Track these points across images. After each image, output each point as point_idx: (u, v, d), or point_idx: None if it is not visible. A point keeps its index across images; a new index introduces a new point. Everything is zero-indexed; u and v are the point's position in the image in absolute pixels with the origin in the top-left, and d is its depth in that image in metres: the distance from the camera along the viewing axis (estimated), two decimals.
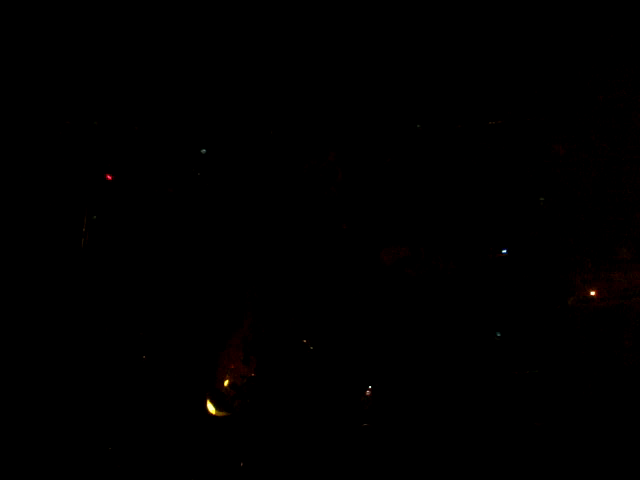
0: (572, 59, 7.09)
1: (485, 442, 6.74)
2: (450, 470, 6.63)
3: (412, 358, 7.05)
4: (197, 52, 7.36)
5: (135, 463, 6.46)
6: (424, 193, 7.28)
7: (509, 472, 6.65)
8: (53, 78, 7.30)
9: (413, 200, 7.25)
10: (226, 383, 6.46)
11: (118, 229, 7.34)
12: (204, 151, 7.47)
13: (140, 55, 7.39)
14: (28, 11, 7.19)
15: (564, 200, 7.08)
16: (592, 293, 6.86)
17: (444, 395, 6.94)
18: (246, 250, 6.88)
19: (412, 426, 6.84)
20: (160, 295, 6.98)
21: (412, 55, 7.32)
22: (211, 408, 6.46)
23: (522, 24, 7.22)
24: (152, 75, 7.41)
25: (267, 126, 7.28)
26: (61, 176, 7.31)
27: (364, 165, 7.26)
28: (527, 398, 6.85)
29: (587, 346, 6.86)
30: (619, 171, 6.99)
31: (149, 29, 7.32)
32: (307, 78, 7.30)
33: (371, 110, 7.32)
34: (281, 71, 7.29)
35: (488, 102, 7.32)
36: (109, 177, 7.44)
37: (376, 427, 6.81)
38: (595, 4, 7.08)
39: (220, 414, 6.44)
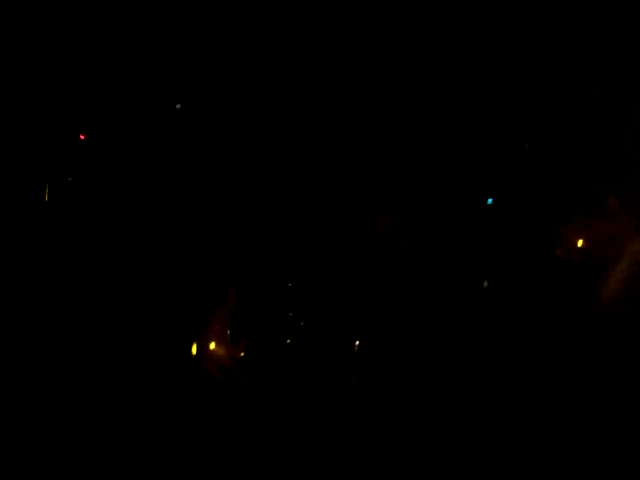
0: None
1: (473, 397, 6.72)
2: (440, 430, 6.63)
3: (398, 308, 6.98)
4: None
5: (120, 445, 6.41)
6: (405, 142, 7.10)
7: (499, 436, 6.65)
8: (21, 35, 7.04)
9: (394, 151, 7.07)
10: (214, 362, 6.34)
11: (94, 190, 7.17)
12: (179, 106, 7.24)
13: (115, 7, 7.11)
14: None
15: (551, 147, 6.91)
16: (579, 243, 6.75)
17: (432, 347, 6.90)
18: (228, 219, 6.70)
19: (402, 382, 6.81)
20: (135, 266, 6.82)
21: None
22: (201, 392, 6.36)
23: None
24: (125, 28, 7.13)
25: (241, 85, 7.04)
26: (32, 137, 7.11)
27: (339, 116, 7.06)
28: (515, 350, 6.82)
29: (574, 297, 6.79)
30: (610, 119, 6.80)
31: None
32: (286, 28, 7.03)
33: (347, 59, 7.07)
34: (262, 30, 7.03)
35: (471, 44, 7.07)
36: (82, 137, 7.23)
37: (365, 383, 6.78)
38: None
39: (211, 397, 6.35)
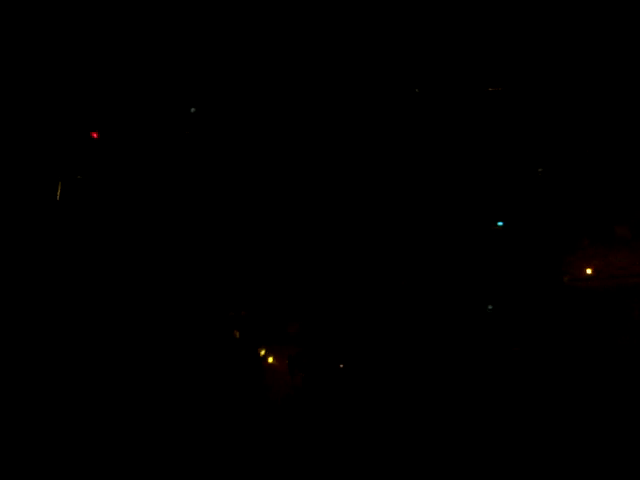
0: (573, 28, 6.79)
1: (474, 416, 6.62)
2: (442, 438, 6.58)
3: (404, 328, 6.93)
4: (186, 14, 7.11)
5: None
6: (419, 162, 7.06)
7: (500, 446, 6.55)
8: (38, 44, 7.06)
9: (408, 169, 7.03)
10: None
11: (106, 189, 7.14)
12: (193, 110, 7.22)
13: (130, 14, 7.13)
14: None
15: (562, 174, 6.84)
16: (588, 271, 6.64)
17: (436, 366, 6.82)
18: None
19: (407, 401, 6.76)
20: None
21: (409, 19, 7.03)
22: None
23: None
24: (139, 33, 7.14)
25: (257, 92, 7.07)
26: (45, 134, 7.10)
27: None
28: (517, 374, 6.71)
29: (581, 325, 6.68)
30: (620, 147, 6.73)
31: None
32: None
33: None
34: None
35: (488, 68, 7.03)
36: (95, 135, 7.20)
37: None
38: None
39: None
